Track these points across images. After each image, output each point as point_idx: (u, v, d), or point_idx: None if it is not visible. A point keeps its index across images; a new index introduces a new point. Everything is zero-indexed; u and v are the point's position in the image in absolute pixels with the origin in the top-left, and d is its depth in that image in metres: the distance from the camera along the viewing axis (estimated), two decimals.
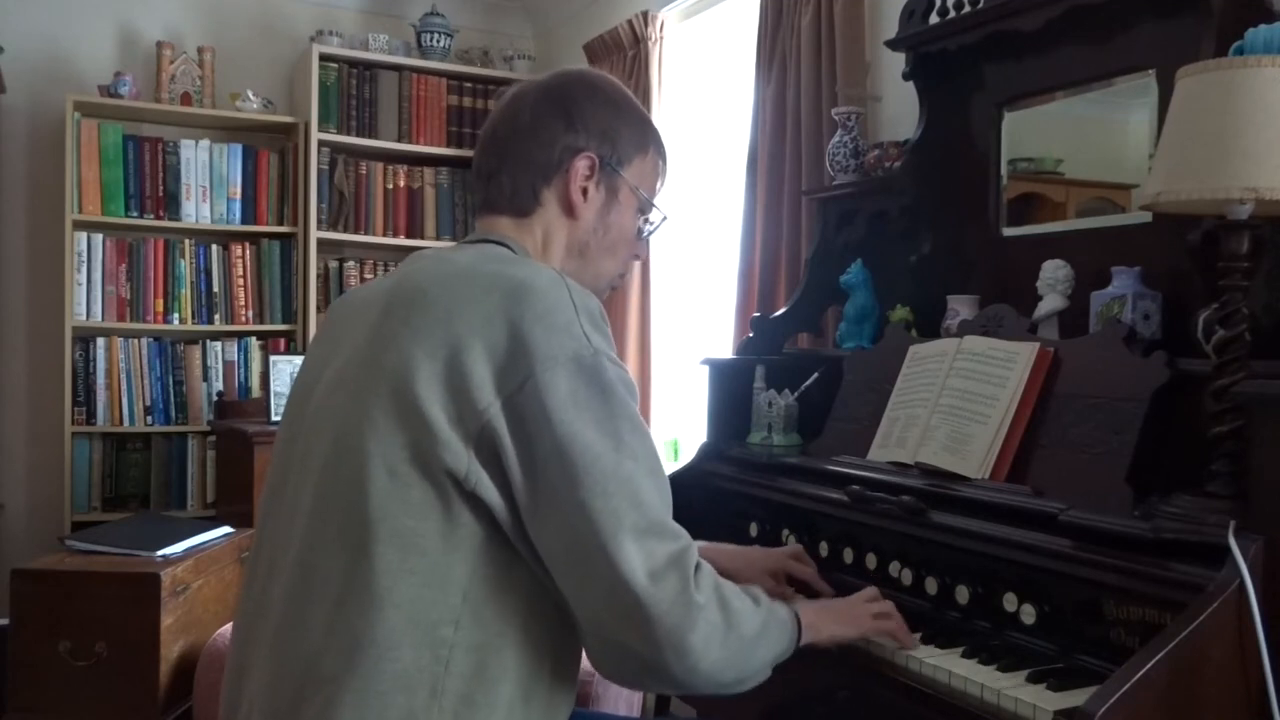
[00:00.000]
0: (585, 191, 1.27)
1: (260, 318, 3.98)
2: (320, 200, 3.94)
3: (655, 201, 1.36)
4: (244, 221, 3.93)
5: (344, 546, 1.05)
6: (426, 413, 1.04)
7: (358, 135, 4.03)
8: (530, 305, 1.07)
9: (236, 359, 3.94)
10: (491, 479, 1.04)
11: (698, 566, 1.08)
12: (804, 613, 1.25)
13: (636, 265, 3.39)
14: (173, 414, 3.83)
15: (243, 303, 3.95)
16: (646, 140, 1.33)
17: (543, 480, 1.04)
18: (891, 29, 2.22)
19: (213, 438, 3.80)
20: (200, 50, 3.88)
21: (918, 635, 1.45)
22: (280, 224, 3.99)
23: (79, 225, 3.68)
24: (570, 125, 1.26)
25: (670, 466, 2.49)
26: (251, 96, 3.91)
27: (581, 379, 1.06)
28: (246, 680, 1.13)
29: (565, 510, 1.03)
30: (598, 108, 1.28)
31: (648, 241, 1.40)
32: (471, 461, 1.04)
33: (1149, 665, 1.09)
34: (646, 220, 1.36)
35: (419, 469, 1.04)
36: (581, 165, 1.26)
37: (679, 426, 3.53)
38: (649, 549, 1.04)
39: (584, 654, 1.15)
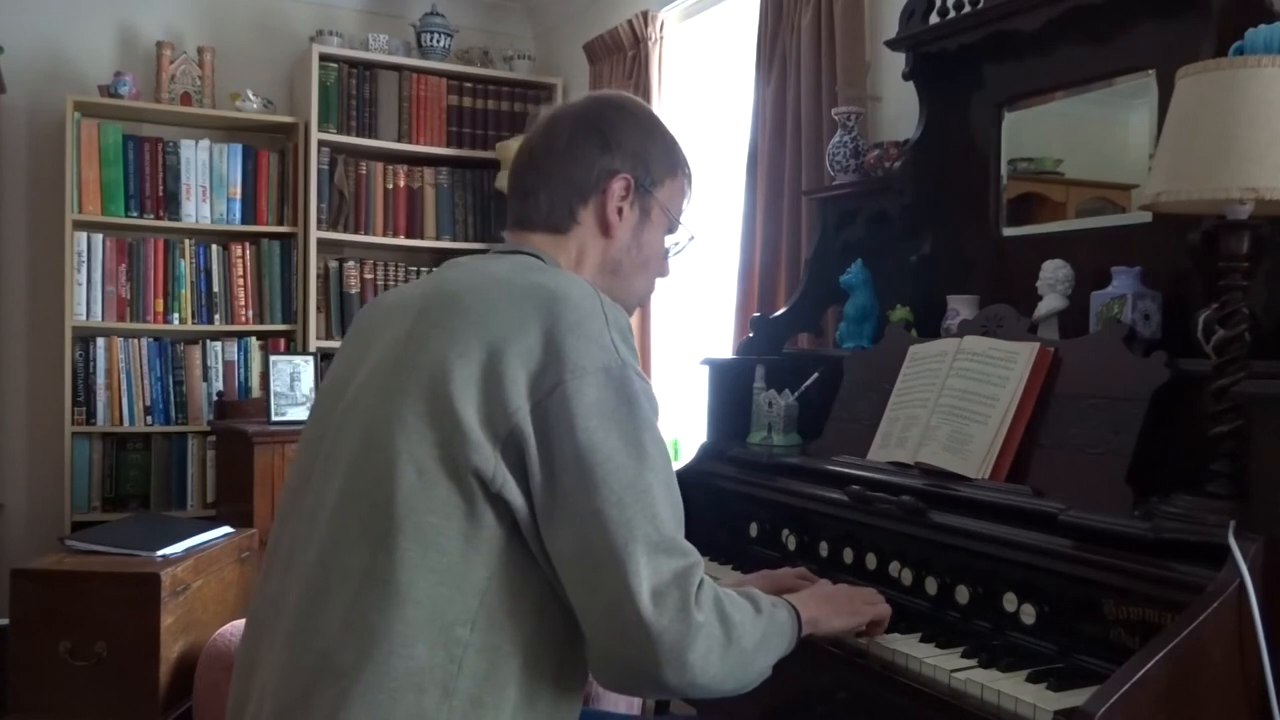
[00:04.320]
0: (620, 211, 1.31)
1: (260, 318, 3.98)
2: (320, 200, 3.94)
3: (682, 221, 1.40)
4: (244, 221, 3.94)
5: (366, 541, 1.07)
6: (459, 413, 1.06)
7: (358, 135, 4.03)
8: (564, 315, 1.09)
9: (236, 359, 3.94)
10: (516, 482, 1.06)
11: (701, 583, 1.09)
12: (804, 608, 1.27)
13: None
14: (173, 414, 3.83)
15: (243, 303, 3.95)
16: (676, 162, 1.37)
17: (561, 486, 1.05)
18: (891, 29, 2.22)
19: (213, 438, 3.80)
20: (200, 50, 3.89)
21: (917, 635, 1.45)
22: (280, 224, 3.99)
23: (79, 225, 3.68)
24: (606, 148, 1.30)
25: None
26: (251, 96, 3.91)
27: (609, 389, 1.08)
28: (257, 674, 1.14)
29: (580, 517, 1.05)
30: (632, 131, 1.32)
31: (673, 260, 1.44)
32: (499, 463, 1.06)
33: (1149, 665, 1.09)
34: (675, 240, 1.41)
35: (447, 468, 1.06)
36: (618, 186, 1.30)
37: (679, 426, 3.53)
38: (657, 564, 1.05)
39: None
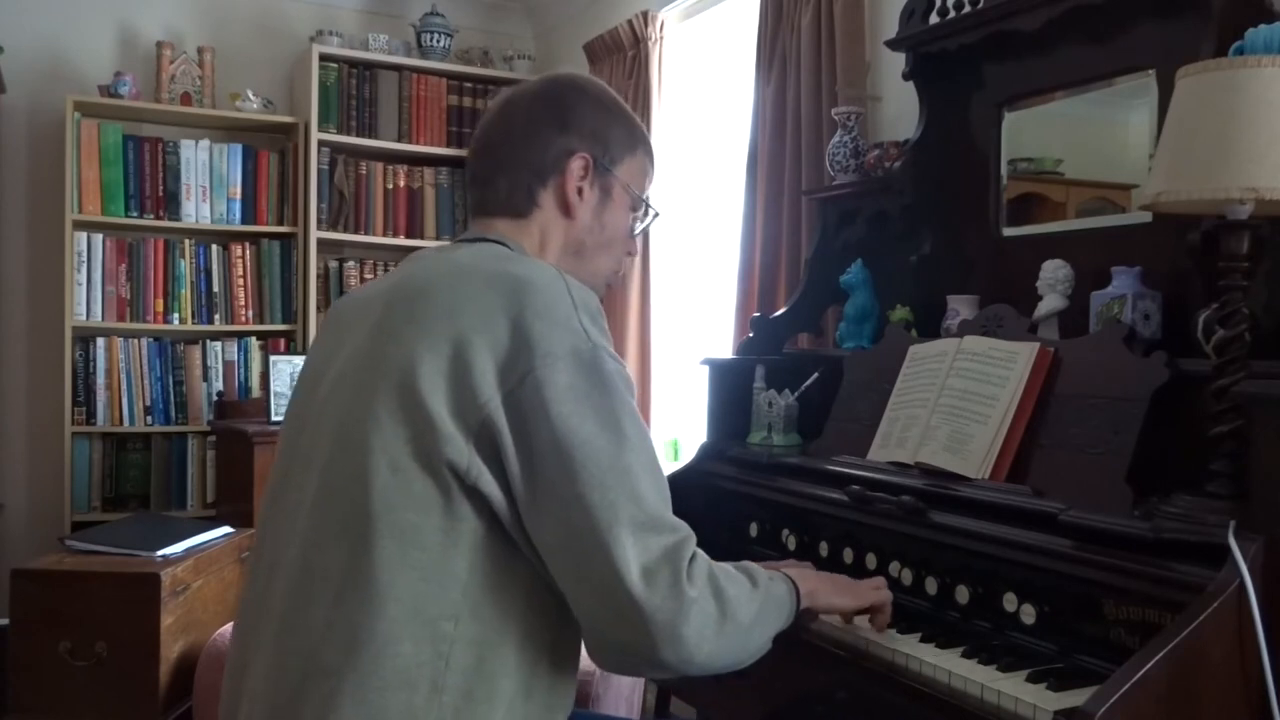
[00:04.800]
0: (581, 191, 1.30)
1: (260, 318, 3.98)
2: (320, 200, 3.94)
3: (646, 198, 1.39)
4: (244, 221, 3.93)
5: (345, 540, 1.06)
6: (429, 406, 1.05)
7: (358, 135, 4.03)
8: (530, 301, 1.08)
9: (236, 359, 3.94)
10: (492, 473, 1.06)
11: (693, 558, 1.09)
12: (803, 582, 1.27)
13: (636, 265, 3.40)
14: (173, 414, 3.83)
15: (243, 303, 3.95)
16: (635, 140, 1.36)
17: (540, 473, 1.05)
18: (891, 29, 2.22)
19: (213, 438, 3.80)
20: (200, 50, 3.89)
21: (917, 635, 1.45)
22: (280, 224, 3.99)
23: (79, 225, 3.68)
24: (564, 128, 1.29)
25: (670, 466, 2.51)
26: (251, 96, 3.91)
27: (581, 373, 1.07)
28: (247, 677, 1.14)
29: (562, 503, 1.04)
30: (588, 110, 1.31)
31: (640, 238, 1.43)
32: (472, 455, 1.05)
33: (1149, 665, 1.09)
34: (638, 217, 1.39)
35: (421, 463, 1.05)
36: (576, 166, 1.29)
37: (679, 426, 3.53)
38: (644, 543, 1.05)
39: (583, 652, 1.16)
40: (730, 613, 1.10)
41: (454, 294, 1.11)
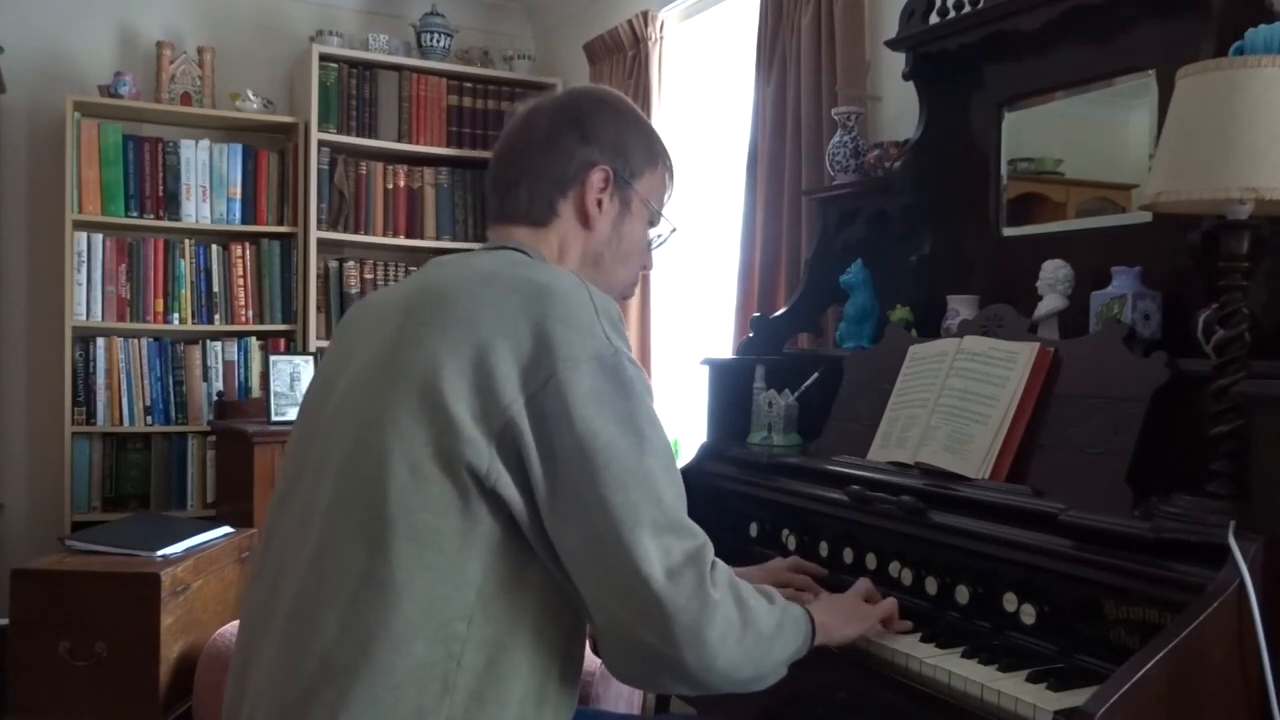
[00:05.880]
0: (600, 203, 1.31)
1: (260, 318, 3.98)
2: (320, 200, 3.94)
3: (664, 213, 1.40)
4: (244, 221, 3.94)
5: (362, 542, 1.06)
6: (451, 409, 1.05)
7: (358, 135, 4.03)
8: (553, 307, 1.09)
9: (236, 359, 3.94)
10: (512, 477, 1.06)
11: (714, 564, 1.09)
12: (816, 613, 1.27)
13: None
14: (173, 414, 3.83)
15: (243, 303, 3.95)
16: (656, 155, 1.37)
17: (563, 476, 1.05)
18: (891, 29, 2.22)
19: (213, 438, 3.80)
20: (200, 50, 3.89)
21: (917, 635, 1.45)
22: (280, 224, 3.99)
23: (79, 225, 3.68)
24: (585, 139, 1.30)
25: None
26: (251, 96, 3.91)
27: (603, 376, 1.08)
28: (250, 677, 1.14)
29: (585, 505, 1.05)
30: (610, 123, 1.32)
31: (655, 252, 1.44)
32: (493, 458, 1.05)
33: (1149, 665, 1.09)
34: (656, 232, 1.40)
35: (440, 465, 1.05)
36: (596, 178, 1.30)
37: (679, 426, 3.53)
38: (666, 545, 1.05)
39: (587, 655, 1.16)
40: (751, 620, 1.11)
41: (476, 300, 1.11)
